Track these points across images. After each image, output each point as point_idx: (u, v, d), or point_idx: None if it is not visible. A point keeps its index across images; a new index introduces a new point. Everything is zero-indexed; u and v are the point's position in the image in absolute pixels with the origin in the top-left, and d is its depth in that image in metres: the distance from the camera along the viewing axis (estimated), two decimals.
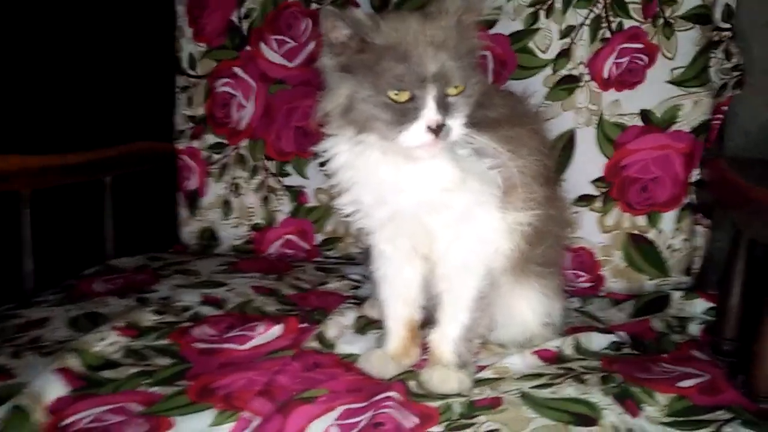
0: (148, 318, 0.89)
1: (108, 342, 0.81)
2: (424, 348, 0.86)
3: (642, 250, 1.13)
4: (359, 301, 1.03)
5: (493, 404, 0.70)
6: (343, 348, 0.88)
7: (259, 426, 0.66)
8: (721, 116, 1.12)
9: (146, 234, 1.40)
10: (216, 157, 1.35)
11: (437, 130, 0.70)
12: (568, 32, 1.15)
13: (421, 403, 0.72)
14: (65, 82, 1.45)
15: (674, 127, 1.10)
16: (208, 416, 0.67)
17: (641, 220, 1.13)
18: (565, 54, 1.15)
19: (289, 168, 1.32)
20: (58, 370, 0.73)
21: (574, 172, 1.15)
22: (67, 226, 1.34)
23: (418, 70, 0.69)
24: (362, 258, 1.26)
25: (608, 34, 1.13)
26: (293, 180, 1.32)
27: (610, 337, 0.89)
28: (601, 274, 1.14)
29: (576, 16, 1.14)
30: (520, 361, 0.82)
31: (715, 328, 0.93)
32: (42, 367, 0.74)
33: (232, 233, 1.35)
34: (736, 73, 1.11)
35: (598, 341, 0.88)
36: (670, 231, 1.12)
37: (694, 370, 0.80)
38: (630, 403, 0.70)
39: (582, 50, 1.14)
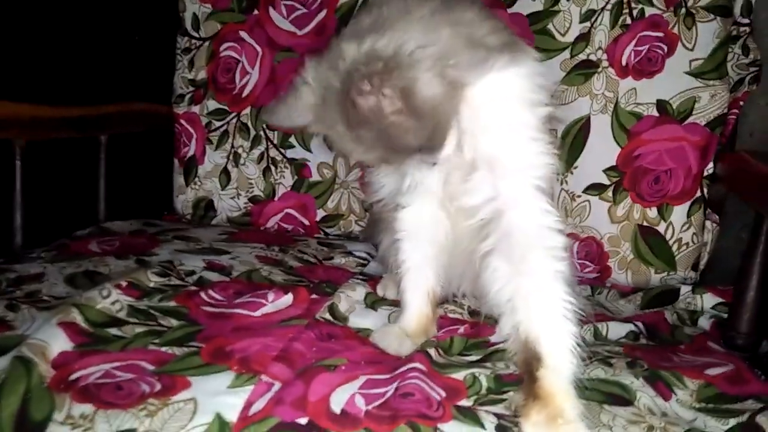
0: (151, 279, 0.84)
1: (112, 299, 0.76)
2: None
3: (651, 243, 1.12)
4: (367, 278, 1.00)
5: (521, 381, 0.68)
6: (356, 322, 0.84)
7: (280, 391, 0.62)
8: (736, 111, 1.12)
9: (138, 200, 1.34)
10: (216, 124, 1.30)
11: None
12: (588, 16, 1.13)
13: (445, 375, 0.69)
14: (64, 36, 1.37)
15: (690, 120, 1.10)
16: (225, 378, 0.63)
17: (652, 212, 1.12)
18: (584, 38, 1.14)
19: (292, 140, 1.28)
20: (60, 324, 0.68)
21: (587, 159, 1.14)
22: (57, 185, 1.27)
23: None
24: (364, 236, 1.23)
25: (629, 21, 1.12)
26: (296, 152, 1.28)
27: (628, 327, 0.87)
28: (608, 265, 1.13)
29: (598, 0, 1.13)
30: None
31: (730, 322, 0.92)
32: (42, 320, 0.69)
33: (229, 204, 1.30)
34: (753, 69, 1.11)
35: (615, 330, 0.87)
36: (680, 225, 1.11)
37: (715, 359, 0.79)
38: (661, 386, 0.69)
39: (601, 35, 1.13)
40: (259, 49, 1.27)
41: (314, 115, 0.71)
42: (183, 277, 0.89)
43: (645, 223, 1.12)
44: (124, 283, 0.80)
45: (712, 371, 0.74)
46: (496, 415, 0.61)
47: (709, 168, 1.10)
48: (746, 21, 1.12)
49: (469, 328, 0.85)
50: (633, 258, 1.13)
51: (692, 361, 0.78)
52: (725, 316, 0.97)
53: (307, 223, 1.28)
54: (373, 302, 0.91)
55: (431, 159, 0.72)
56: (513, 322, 0.67)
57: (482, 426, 0.59)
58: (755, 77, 1.11)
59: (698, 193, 1.10)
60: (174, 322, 0.75)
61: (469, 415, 0.61)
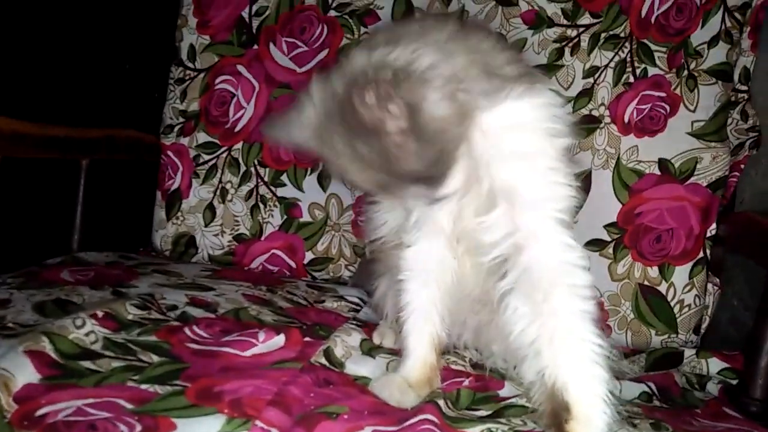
0: (130, 311, 0.76)
1: (86, 330, 0.68)
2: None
3: (652, 303, 1.09)
4: (361, 324, 0.93)
5: None
6: (353, 369, 0.77)
7: None
8: (737, 174, 1.12)
9: (114, 233, 1.26)
10: (205, 157, 1.25)
11: None
12: (591, 72, 1.14)
13: (458, 429, 0.62)
14: (52, 55, 1.32)
15: (692, 180, 1.09)
16: (215, 421, 0.55)
17: (653, 272, 1.09)
18: (586, 93, 1.14)
19: (284, 178, 1.23)
20: (27, 353, 0.60)
21: (588, 214, 1.11)
22: (29, 211, 1.19)
23: None
24: (354, 282, 1.17)
25: (632, 79, 1.12)
26: (287, 191, 1.23)
27: (641, 387, 0.83)
28: (608, 324, 1.09)
29: (601, 57, 1.13)
30: None
31: (742, 389, 0.88)
32: (7, 347, 0.61)
33: (212, 242, 1.23)
34: (752, 134, 1.12)
35: (629, 389, 0.82)
36: (682, 286, 1.08)
37: (736, 426, 0.74)
38: None
39: (604, 92, 1.13)
40: (256, 84, 1.24)
41: (313, 132, 0.67)
42: (164, 311, 0.81)
43: (646, 283, 1.09)
44: (100, 314, 0.72)
45: None
46: None
47: (712, 229, 1.08)
48: (744, 88, 1.13)
49: (474, 381, 0.78)
50: (633, 318, 1.09)
51: (713, 427, 0.73)
52: (733, 382, 0.93)
53: (294, 265, 1.22)
54: (369, 349, 0.85)
55: (432, 193, 0.67)
56: (537, 367, 0.61)
57: None
58: (755, 142, 1.12)
59: (701, 254, 1.08)
60: (155, 358, 0.67)
61: None
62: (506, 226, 0.66)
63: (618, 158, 1.11)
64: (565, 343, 0.60)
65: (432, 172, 0.64)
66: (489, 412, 0.70)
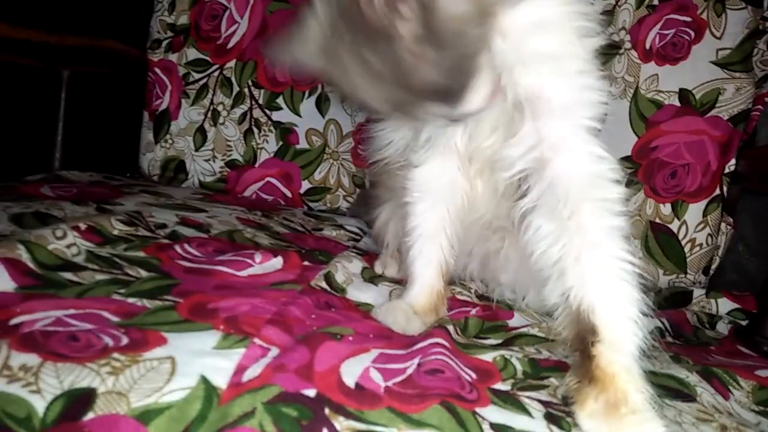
0: (115, 226, 0.70)
1: (67, 242, 0.62)
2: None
3: (662, 241, 1.05)
4: (361, 253, 0.88)
5: (561, 368, 0.58)
6: (355, 295, 0.72)
7: (279, 356, 0.50)
8: (761, 108, 1.06)
9: (98, 155, 1.19)
10: (196, 75, 1.17)
11: None
12: None
13: (470, 355, 0.58)
14: None
15: (713, 112, 1.03)
16: (210, 337, 0.50)
17: (665, 209, 1.04)
18: (607, 15, 1.06)
19: (280, 101, 1.16)
20: (1, 260, 0.54)
21: None
22: (6, 125, 1.11)
23: None
24: (352, 213, 1.12)
25: (656, 2, 1.05)
26: (283, 115, 1.16)
27: (654, 322, 0.78)
28: None
29: None
30: None
31: (755, 329, 0.85)
32: None
33: (202, 167, 1.17)
34: None
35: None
36: (694, 224, 1.04)
37: (755, 363, 0.71)
38: (718, 384, 0.60)
39: (626, 15, 1.06)
40: None
41: (318, 49, 0.59)
42: (153, 229, 0.75)
43: (658, 220, 1.05)
44: (83, 226, 0.66)
45: (762, 373, 0.65)
46: (541, 402, 0.51)
47: (731, 165, 1.03)
48: None
49: (482, 311, 0.74)
50: (642, 257, 1.05)
51: (731, 363, 0.70)
52: (743, 322, 0.90)
53: (289, 194, 1.16)
54: (371, 277, 0.80)
55: (453, 111, 0.58)
56: (561, 288, 0.56)
57: (528, 413, 0.48)
58: None
59: (717, 192, 1.03)
60: (143, 273, 0.61)
61: (510, 401, 0.50)
62: (531, 138, 0.59)
63: (636, 87, 1.05)
64: (594, 261, 0.55)
65: (452, 83, 0.56)
66: (500, 341, 0.66)
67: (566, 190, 0.57)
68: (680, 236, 1.04)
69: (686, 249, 1.04)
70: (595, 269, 0.55)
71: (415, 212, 0.72)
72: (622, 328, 0.53)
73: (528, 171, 0.61)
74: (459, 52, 0.55)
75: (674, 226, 1.04)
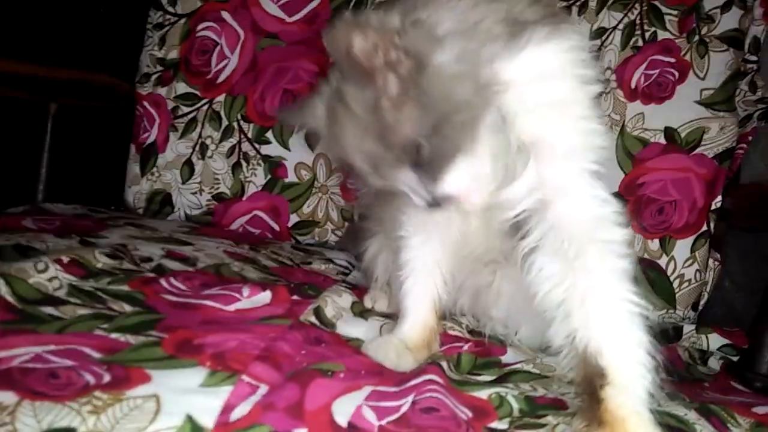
0: (99, 259, 0.69)
1: (49, 275, 0.60)
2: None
3: (651, 277, 1.04)
4: (351, 287, 0.87)
5: (558, 405, 0.56)
6: (345, 330, 0.71)
7: (268, 394, 0.48)
8: (744, 146, 1.08)
9: (83, 188, 1.17)
10: (184, 109, 1.17)
11: None
12: (599, 34, 1.08)
13: (465, 392, 0.57)
14: None
15: (698, 150, 1.04)
16: (196, 374, 0.48)
17: (653, 245, 1.05)
18: (593, 56, 1.08)
19: (269, 135, 1.15)
20: None
21: None
22: None
23: None
24: (340, 247, 1.11)
25: (641, 43, 1.07)
26: (272, 149, 1.15)
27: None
28: None
29: (610, 18, 1.08)
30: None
31: (747, 365, 0.85)
32: None
33: (189, 200, 1.15)
34: (761, 106, 1.08)
35: None
36: (682, 260, 1.04)
37: (750, 399, 0.70)
38: (716, 422, 0.58)
39: (612, 55, 1.08)
40: (241, 32, 1.16)
41: (324, 111, 0.60)
42: (138, 262, 0.73)
43: (646, 256, 1.05)
44: (65, 259, 0.65)
45: (759, 410, 0.64)
46: None
47: (717, 202, 1.04)
48: (754, 58, 1.09)
49: (474, 346, 0.73)
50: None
51: (729, 400, 0.69)
52: (734, 358, 0.89)
53: (277, 228, 1.14)
54: (361, 311, 0.78)
55: (428, 188, 0.55)
56: (567, 330, 0.55)
57: None
58: (764, 114, 1.07)
59: (704, 228, 1.04)
60: (127, 308, 0.59)
61: None
62: (533, 180, 0.59)
63: (623, 125, 1.06)
64: (600, 304, 0.54)
65: (429, 148, 0.53)
66: (494, 377, 0.65)
67: (570, 232, 0.57)
68: (669, 272, 1.04)
69: (675, 284, 1.04)
70: (602, 311, 0.54)
71: (408, 246, 0.72)
72: (632, 372, 0.52)
73: (529, 212, 0.60)
74: (442, 116, 0.53)
75: (662, 262, 1.04)
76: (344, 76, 0.55)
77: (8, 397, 0.41)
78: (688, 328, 0.96)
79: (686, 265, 1.04)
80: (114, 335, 0.53)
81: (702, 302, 1.07)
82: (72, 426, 0.40)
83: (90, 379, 0.45)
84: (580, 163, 0.58)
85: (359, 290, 0.85)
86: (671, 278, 1.04)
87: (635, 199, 1.05)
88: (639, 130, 1.06)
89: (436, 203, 0.56)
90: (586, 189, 0.58)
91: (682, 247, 1.04)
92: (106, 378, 0.45)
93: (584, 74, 0.60)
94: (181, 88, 1.17)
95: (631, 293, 0.55)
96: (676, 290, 1.04)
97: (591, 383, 0.51)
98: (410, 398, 0.52)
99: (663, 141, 1.05)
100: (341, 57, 0.53)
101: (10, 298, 0.54)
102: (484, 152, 0.55)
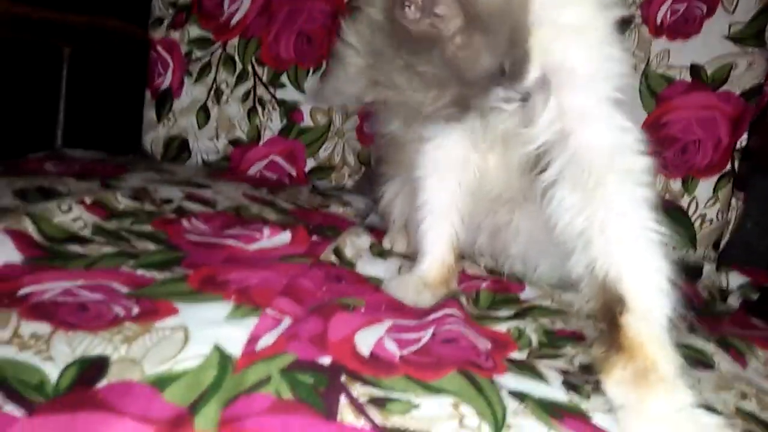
0: (120, 201, 0.69)
1: (73, 215, 0.61)
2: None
3: (672, 217, 1.03)
4: (369, 229, 0.87)
5: (577, 337, 0.57)
6: (365, 269, 0.71)
7: (292, 326, 0.49)
8: None
9: (101, 134, 1.18)
10: (198, 53, 1.15)
11: None
12: None
13: (483, 326, 0.57)
14: None
15: (724, 88, 1.01)
16: (221, 308, 0.49)
17: (675, 184, 1.03)
18: None
19: (284, 78, 1.14)
20: (8, 232, 0.53)
21: None
22: (7, 103, 1.09)
23: None
24: (357, 191, 1.11)
25: None
26: (287, 93, 1.14)
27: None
28: None
29: None
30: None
31: (764, 303, 0.84)
32: None
33: (206, 146, 1.16)
34: None
35: None
36: (705, 200, 1.03)
37: None
38: (735, 353, 0.59)
39: None
40: None
41: (366, 78, 0.58)
42: (159, 203, 0.74)
43: (667, 196, 1.04)
44: (88, 200, 0.65)
45: None
46: (559, 370, 0.50)
47: (742, 141, 1.02)
48: None
49: (492, 284, 0.73)
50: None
51: (748, 334, 0.69)
52: (754, 297, 0.89)
53: (294, 173, 1.15)
54: (379, 252, 0.79)
55: (519, 86, 0.57)
56: (587, 260, 0.55)
57: (546, 381, 0.48)
58: None
59: (727, 167, 1.02)
60: (151, 246, 0.60)
61: (527, 369, 0.49)
62: (553, 111, 0.58)
63: (647, 63, 1.03)
64: (620, 231, 0.54)
65: (510, 58, 0.54)
66: (512, 313, 0.65)
67: (590, 161, 0.56)
68: (690, 212, 1.03)
69: (696, 225, 1.03)
70: (622, 239, 0.54)
71: (425, 187, 0.71)
72: (651, 298, 0.51)
73: (549, 144, 0.59)
74: (507, 27, 0.53)
75: (684, 202, 1.03)
76: (402, 47, 0.54)
77: (42, 327, 0.43)
78: (708, 267, 0.96)
79: (708, 205, 1.03)
80: (140, 271, 0.54)
81: (723, 242, 1.06)
82: (105, 354, 0.41)
83: (119, 311, 0.46)
84: (601, 90, 0.57)
85: (377, 233, 0.86)
86: (693, 218, 1.03)
87: (658, 139, 1.03)
88: (664, 67, 1.03)
89: (527, 96, 0.57)
90: (607, 117, 0.56)
91: (704, 187, 1.03)
92: (135, 310, 0.47)
93: None
94: (194, 31, 1.15)
95: (652, 221, 0.54)
96: (698, 230, 1.03)
97: (610, 310, 0.52)
98: (430, 330, 0.53)
99: (688, 78, 1.02)
100: (394, 31, 0.52)
101: (37, 237, 0.55)
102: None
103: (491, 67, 0.53)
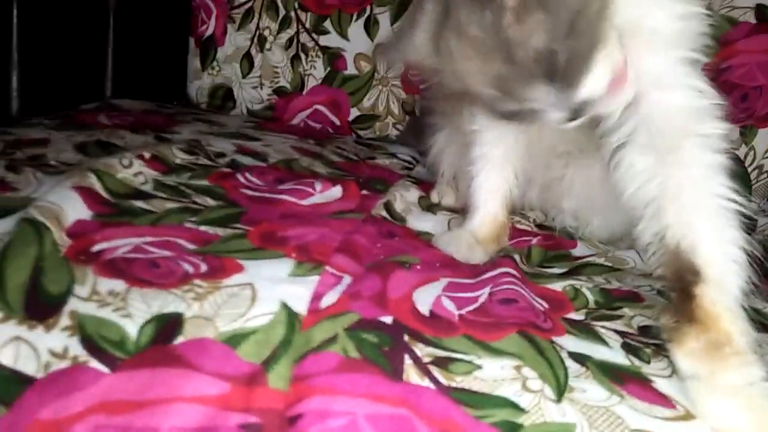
0: (177, 155, 0.71)
1: (134, 170, 0.63)
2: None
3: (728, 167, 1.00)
4: (416, 181, 0.87)
5: (634, 298, 0.57)
6: (414, 224, 0.72)
7: (353, 284, 0.50)
8: None
9: (147, 83, 1.18)
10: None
11: None
12: None
13: (538, 284, 0.57)
14: None
15: None
16: (284, 265, 0.51)
17: (733, 134, 0.99)
18: None
19: (327, 24, 1.12)
20: (76, 188, 0.55)
21: None
22: (57, 53, 1.10)
23: None
24: (401, 141, 1.10)
25: None
26: (331, 39, 1.12)
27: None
28: None
29: None
30: (635, 256, 0.69)
31: None
32: (53, 182, 0.56)
33: (250, 95, 1.15)
34: None
35: None
36: (763, 150, 0.99)
37: None
38: None
39: None
40: None
41: (429, 43, 0.55)
42: (213, 157, 0.75)
43: None
44: (147, 155, 0.67)
45: None
46: (617, 332, 0.50)
47: None
48: None
49: (543, 240, 0.73)
50: None
51: None
52: None
53: (338, 122, 1.14)
54: (428, 206, 0.79)
55: (566, 96, 0.49)
56: (658, 226, 0.54)
57: (605, 344, 0.48)
58: None
59: None
60: (211, 202, 0.62)
61: (585, 331, 0.50)
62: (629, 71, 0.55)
63: (709, 3, 0.97)
64: (695, 199, 0.52)
65: (565, 51, 0.48)
66: (565, 270, 0.65)
67: (664, 126, 0.53)
68: (747, 162, 1.00)
69: (752, 176, 1.00)
70: (696, 207, 0.52)
71: (482, 141, 0.70)
72: (726, 269, 0.50)
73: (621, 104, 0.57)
74: (569, 9, 0.48)
75: (741, 152, 1.00)
76: (460, 5, 0.51)
77: (118, 284, 0.44)
78: (763, 220, 0.93)
79: (766, 155, 0.99)
80: (203, 228, 0.55)
81: None
82: (179, 311, 0.43)
83: (188, 268, 0.48)
84: (679, 51, 0.54)
85: (424, 185, 0.85)
86: (749, 168, 1.00)
87: (718, 85, 0.98)
88: (727, 8, 0.98)
89: (577, 114, 0.51)
90: (683, 79, 0.54)
91: (763, 137, 0.99)
92: (203, 268, 0.48)
93: None
94: None
95: (728, 189, 0.53)
96: (753, 181, 1.00)
97: (683, 280, 0.51)
98: (487, 290, 0.53)
99: (753, 20, 0.97)
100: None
101: (103, 193, 0.57)
102: (612, 41, 0.50)
103: (543, 52, 0.48)
